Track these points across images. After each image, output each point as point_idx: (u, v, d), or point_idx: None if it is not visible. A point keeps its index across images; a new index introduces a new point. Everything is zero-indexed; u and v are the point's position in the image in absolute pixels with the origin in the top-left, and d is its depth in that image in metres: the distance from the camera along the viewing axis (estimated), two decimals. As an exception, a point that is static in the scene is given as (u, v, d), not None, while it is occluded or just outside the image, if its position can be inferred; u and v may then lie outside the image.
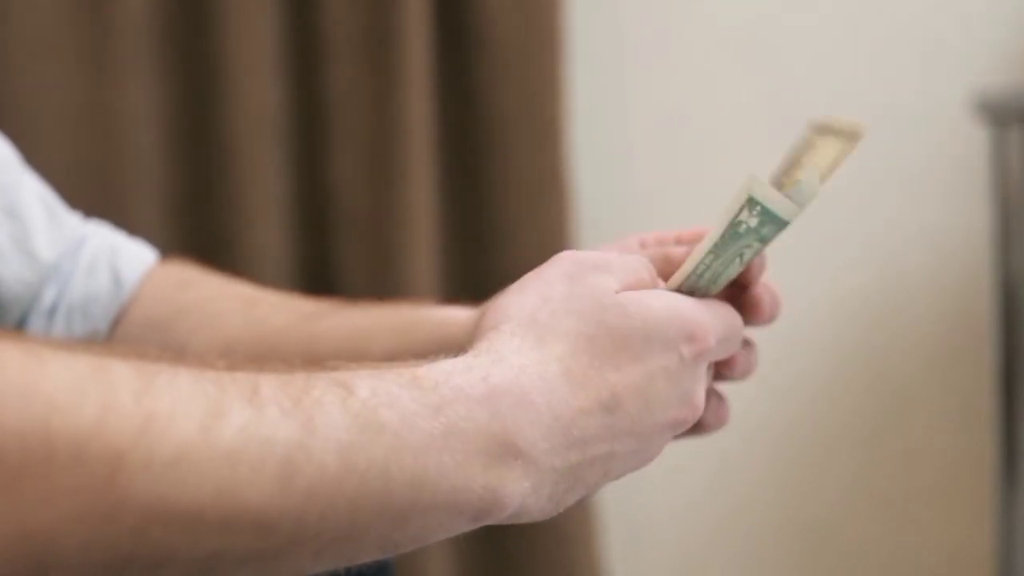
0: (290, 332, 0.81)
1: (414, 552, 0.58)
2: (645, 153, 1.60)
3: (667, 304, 0.57)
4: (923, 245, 1.59)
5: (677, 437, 0.59)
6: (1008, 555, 1.42)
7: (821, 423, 1.62)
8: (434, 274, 1.46)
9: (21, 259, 0.84)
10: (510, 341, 0.54)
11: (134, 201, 1.40)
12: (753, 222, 0.57)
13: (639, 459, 0.57)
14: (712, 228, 0.59)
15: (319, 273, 1.47)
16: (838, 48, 1.58)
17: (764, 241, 0.59)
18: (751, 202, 0.56)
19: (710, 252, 0.59)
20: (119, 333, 0.86)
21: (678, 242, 0.72)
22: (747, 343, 0.67)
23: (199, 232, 1.44)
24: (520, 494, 0.52)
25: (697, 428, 0.66)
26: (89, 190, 1.37)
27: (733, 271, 0.60)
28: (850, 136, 0.58)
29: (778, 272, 0.67)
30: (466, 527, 0.52)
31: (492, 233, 1.48)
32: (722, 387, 0.69)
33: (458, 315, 0.78)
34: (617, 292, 0.56)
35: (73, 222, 0.89)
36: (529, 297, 0.56)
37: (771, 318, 0.66)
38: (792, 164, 0.57)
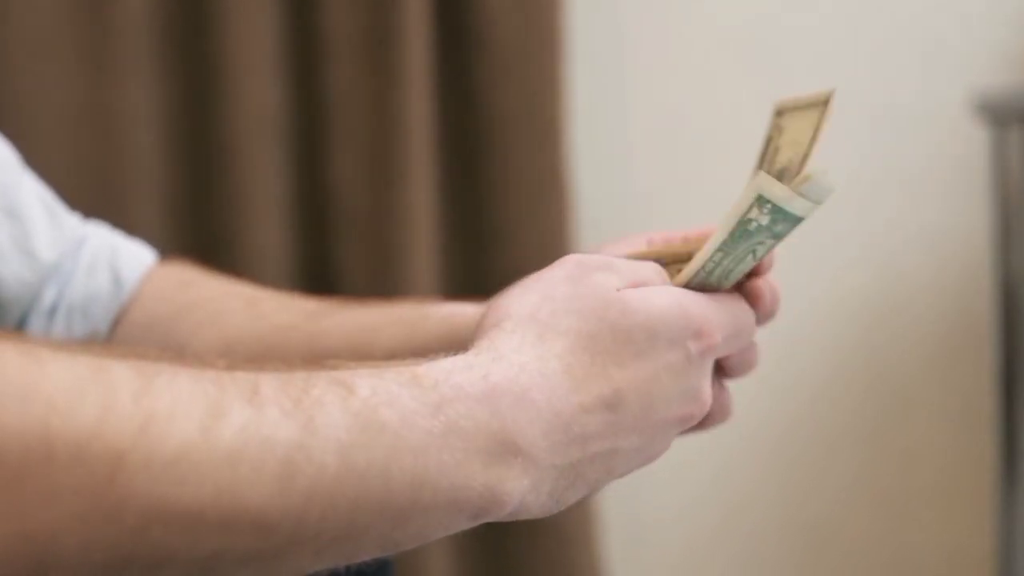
0: (293, 330, 0.81)
1: (414, 551, 0.58)
2: (645, 153, 1.60)
3: (673, 300, 0.57)
4: (923, 245, 1.59)
5: (682, 432, 0.59)
6: (1008, 555, 1.42)
7: (821, 423, 1.62)
8: (434, 274, 1.46)
9: (21, 259, 0.84)
10: (511, 339, 0.54)
11: (134, 201, 1.40)
12: (764, 220, 0.57)
13: (644, 456, 0.57)
14: (719, 226, 0.58)
15: (319, 273, 1.47)
16: (838, 48, 1.58)
17: (778, 237, 0.58)
18: (760, 200, 0.56)
19: (719, 250, 0.58)
20: (119, 333, 0.86)
21: (685, 242, 0.71)
22: None
23: (199, 232, 1.44)
24: (520, 492, 0.52)
25: (702, 422, 0.66)
26: (89, 190, 1.37)
27: (746, 267, 0.60)
28: (818, 104, 0.57)
29: (778, 272, 0.67)
30: (466, 525, 0.52)
31: (492, 233, 1.48)
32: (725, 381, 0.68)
33: (465, 309, 0.78)
34: (620, 290, 0.56)
35: (73, 222, 0.89)
36: (531, 296, 0.56)
37: (769, 314, 0.65)
38: (769, 151, 0.57)
